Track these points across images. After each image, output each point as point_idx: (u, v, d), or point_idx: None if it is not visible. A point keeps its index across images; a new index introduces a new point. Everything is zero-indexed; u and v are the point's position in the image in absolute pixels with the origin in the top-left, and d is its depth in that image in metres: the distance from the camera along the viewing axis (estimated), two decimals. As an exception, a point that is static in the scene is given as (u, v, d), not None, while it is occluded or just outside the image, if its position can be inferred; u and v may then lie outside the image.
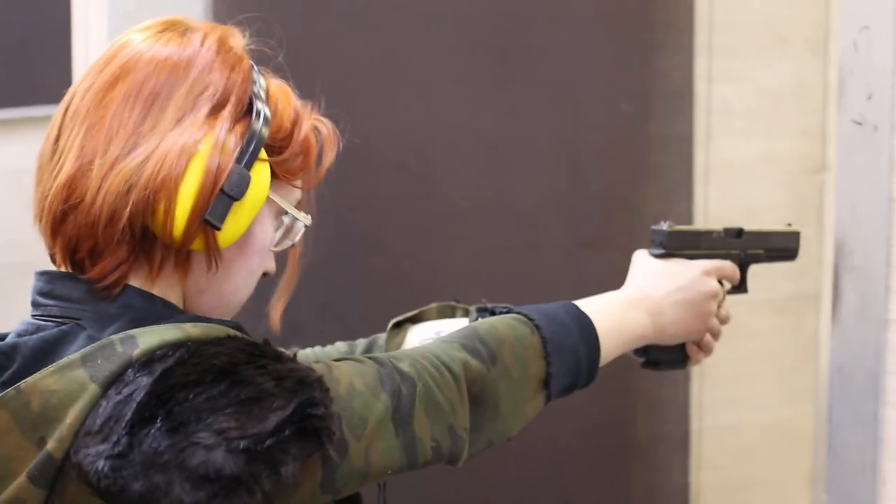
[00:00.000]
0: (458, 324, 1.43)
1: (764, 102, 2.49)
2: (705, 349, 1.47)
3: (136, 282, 1.10)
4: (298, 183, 1.18)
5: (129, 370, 1.00)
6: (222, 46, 1.13)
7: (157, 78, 1.10)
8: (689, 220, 2.41)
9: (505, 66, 2.26)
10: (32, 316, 1.12)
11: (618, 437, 2.43)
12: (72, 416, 0.99)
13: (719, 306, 1.46)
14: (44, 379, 1.01)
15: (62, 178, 1.08)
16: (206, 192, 1.07)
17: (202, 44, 1.12)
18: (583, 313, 1.31)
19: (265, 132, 1.11)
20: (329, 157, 1.19)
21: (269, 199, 1.13)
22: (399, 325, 1.47)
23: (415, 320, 1.48)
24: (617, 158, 2.36)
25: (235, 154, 1.08)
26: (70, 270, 1.11)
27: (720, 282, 1.46)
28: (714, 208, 2.46)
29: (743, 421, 2.58)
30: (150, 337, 1.02)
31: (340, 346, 1.46)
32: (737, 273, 1.49)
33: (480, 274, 2.25)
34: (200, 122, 1.08)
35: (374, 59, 2.18)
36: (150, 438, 0.97)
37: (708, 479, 2.55)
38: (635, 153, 2.38)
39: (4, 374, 1.05)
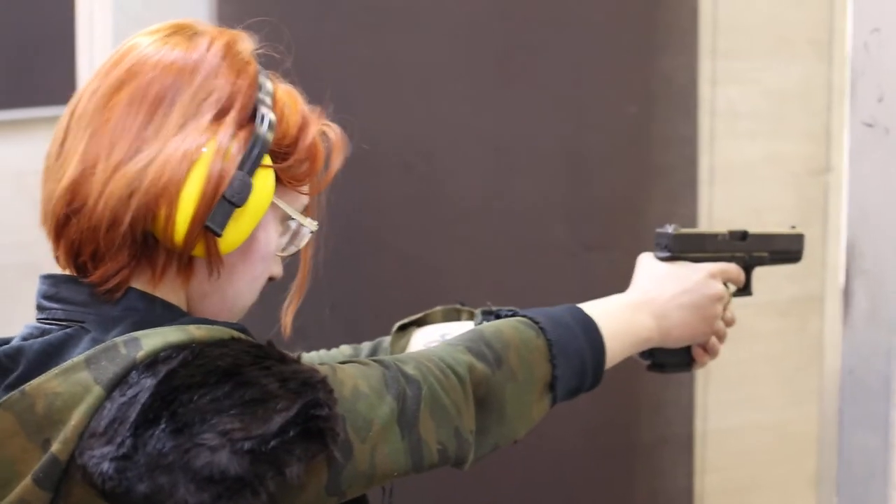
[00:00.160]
0: (463, 327, 1.43)
1: (768, 104, 2.49)
2: (711, 352, 1.47)
3: (138, 285, 1.10)
4: (305, 189, 1.17)
5: (133, 372, 1.00)
6: (229, 51, 1.13)
7: (162, 82, 1.09)
8: (694, 222, 2.41)
9: (509, 68, 2.26)
10: (37, 319, 1.11)
11: (622, 439, 2.43)
12: (76, 418, 0.99)
13: (724, 309, 1.46)
14: (48, 381, 1.01)
15: (66, 181, 1.08)
16: (207, 198, 1.06)
17: (209, 48, 1.12)
18: (588, 316, 1.31)
19: (269, 138, 1.10)
20: (337, 162, 1.18)
21: (273, 205, 1.13)
22: (404, 328, 1.47)
23: (420, 323, 1.47)
24: (621, 160, 2.36)
25: (238, 160, 1.08)
26: (73, 273, 1.11)
27: (725, 284, 1.46)
28: (718, 210, 2.45)
29: (747, 423, 2.58)
30: (153, 339, 1.02)
31: (345, 350, 1.46)
32: (742, 275, 1.49)
33: (484, 276, 2.25)
34: (203, 128, 1.08)
35: (379, 61, 2.19)
36: (154, 440, 0.97)
37: (712, 481, 2.55)
38: (639, 155, 2.38)
39: (9, 377, 1.05)
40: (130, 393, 0.99)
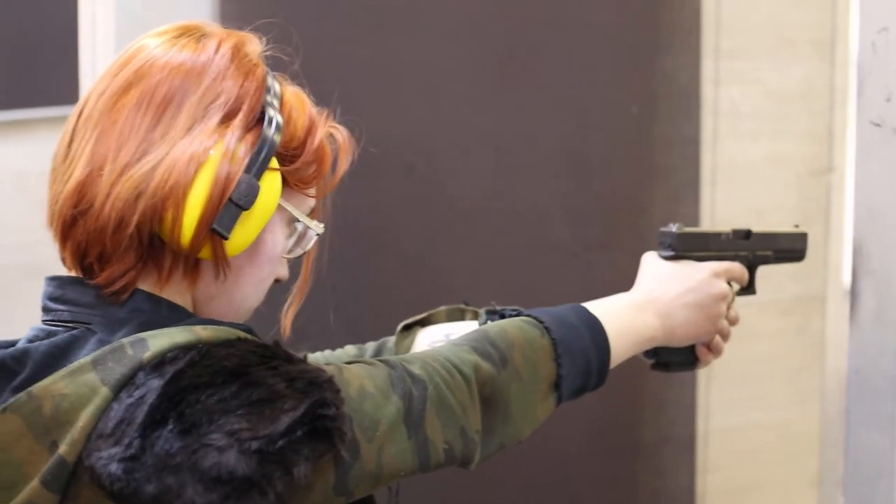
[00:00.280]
0: (468, 326, 1.43)
1: (771, 104, 2.50)
2: (715, 351, 1.47)
3: (145, 287, 1.10)
4: (312, 191, 1.17)
5: (140, 373, 1.00)
6: (237, 53, 1.13)
7: (169, 84, 1.09)
8: (696, 222, 2.41)
9: (510, 68, 2.26)
10: (43, 321, 1.11)
11: (624, 438, 2.44)
12: (83, 419, 0.99)
13: (728, 308, 1.46)
14: (55, 383, 1.01)
15: (72, 182, 1.08)
16: (214, 201, 1.06)
17: (217, 50, 1.12)
18: (592, 316, 1.31)
19: (277, 141, 1.10)
20: (344, 165, 1.18)
21: (280, 207, 1.13)
22: (408, 328, 1.47)
23: (424, 323, 1.47)
24: (623, 160, 2.36)
25: (245, 163, 1.08)
26: (80, 275, 1.11)
27: (729, 283, 1.46)
28: (721, 210, 2.46)
29: (749, 423, 2.58)
30: (160, 339, 1.02)
31: (350, 350, 1.46)
32: (745, 274, 1.49)
33: (487, 276, 2.25)
34: (211, 131, 1.08)
35: (380, 61, 2.19)
36: (162, 440, 0.97)
37: (714, 480, 2.55)
38: (641, 155, 2.38)
39: (16, 379, 1.05)
40: (138, 394, 0.99)
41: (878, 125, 1.39)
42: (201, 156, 1.07)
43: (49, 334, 1.08)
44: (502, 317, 1.35)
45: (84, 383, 1.00)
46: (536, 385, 1.23)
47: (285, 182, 1.13)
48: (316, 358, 1.42)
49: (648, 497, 2.48)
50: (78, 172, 1.08)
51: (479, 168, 2.26)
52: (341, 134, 1.18)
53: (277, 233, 1.15)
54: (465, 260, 2.25)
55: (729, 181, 2.47)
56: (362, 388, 1.08)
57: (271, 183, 1.10)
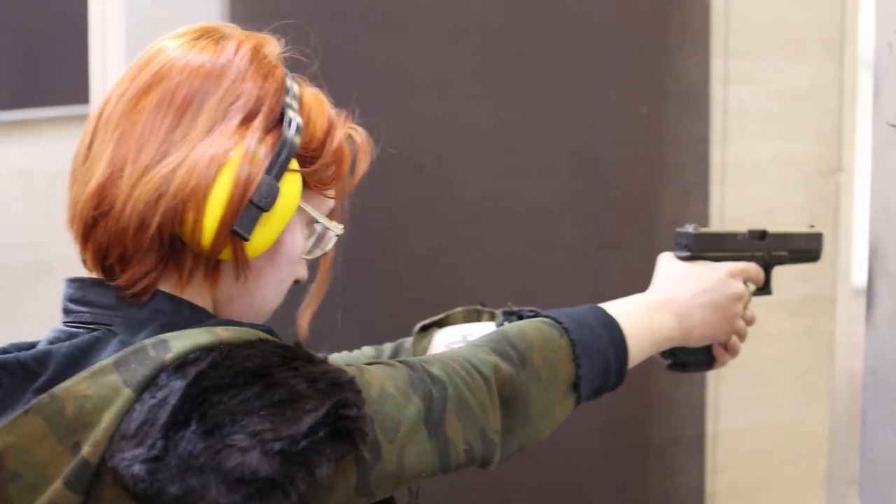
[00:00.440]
0: (485, 327, 1.43)
1: (780, 104, 2.49)
2: (731, 351, 1.47)
3: (166, 289, 1.10)
4: (331, 192, 1.17)
5: (163, 374, 1.00)
6: (256, 55, 1.13)
7: (189, 86, 1.09)
8: (705, 222, 2.41)
9: (521, 68, 2.26)
10: (63, 323, 1.12)
11: (634, 439, 2.43)
12: (106, 420, 0.99)
13: (745, 308, 1.46)
14: (77, 384, 1.01)
15: (93, 184, 1.09)
16: (234, 202, 1.07)
17: (236, 52, 1.12)
18: (610, 316, 1.31)
19: (296, 142, 1.10)
20: (363, 166, 1.18)
21: (299, 209, 1.13)
22: (425, 329, 1.47)
23: (441, 324, 1.48)
24: (632, 160, 2.36)
25: (265, 165, 1.08)
26: (100, 276, 1.11)
27: (745, 283, 1.46)
28: (730, 209, 2.46)
29: (758, 423, 2.58)
30: (182, 341, 1.02)
31: (367, 351, 1.46)
32: (761, 275, 1.49)
33: (496, 276, 2.25)
34: (231, 132, 1.08)
35: (390, 61, 2.18)
36: (185, 441, 0.97)
37: (723, 481, 2.55)
38: (651, 154, 2.38)
39: (38, 380, 1.05)
40: (160, 395, 0.99)
41: (894, 126, 1.39)
42: (222, 157, 1.07)
43: (70, 336, 1.09)
44: (520, 317, 1.35)
45: (106, 384, 1.00)
46: (555, 386, 1.23)
47: (305, 183, 1.13)
48: (334, 359, 1.42)
49: (658, 497, 2.47)
50: (98, 174, 1.09)
51: (488, 168, 2.25)
52: (360, 135, 1.18)
53: (297, 234, 1.15)
54: (475, 260, 2.25)
55: (738, 180, 2.47)
56: (383, 389, 1.08)
57: (291, 184, 1.10)
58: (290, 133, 1.10)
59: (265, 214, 1.08)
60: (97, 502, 0.99)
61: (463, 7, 2.22)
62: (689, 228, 1.44)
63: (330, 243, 1.19)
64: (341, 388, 1.02)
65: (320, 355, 1.08)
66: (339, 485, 1.03)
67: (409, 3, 2.20)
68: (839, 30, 2.52)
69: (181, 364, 1.00)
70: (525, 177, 2.28)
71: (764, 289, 1.51)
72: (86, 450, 0.99)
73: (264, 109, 1.10)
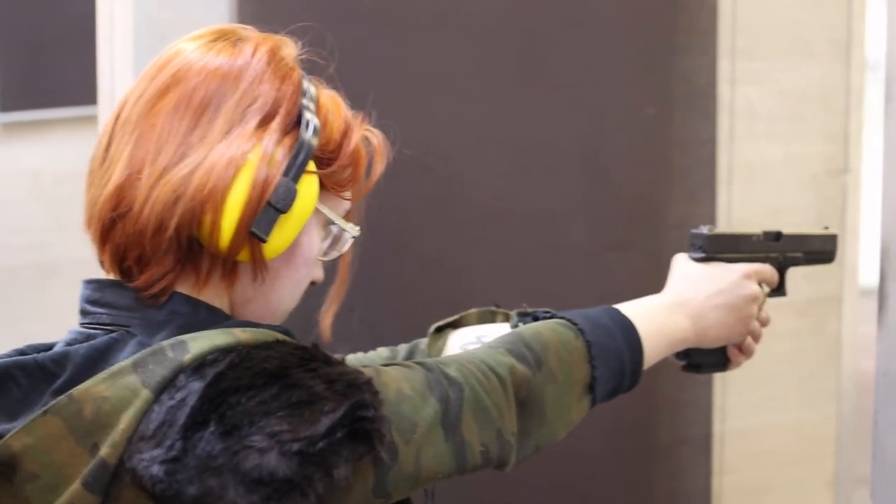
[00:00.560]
0: (499, 328, 1.43)
1: (787, 105, 2.50)
2: (746, 352, 1.47)
3: (183, 290, 1.10)
4: (347, 194, 1.17)
5: (181, 375, 1.00)
6: (273, 57, 1.13)
7: (207, 88, 1.09)
8: (713, 223, 2.41)
9: (529, 69, 2.26)
10: (81, 324, 1.11)
11: (641, 439, 2.43)
12: (125, 421, 0.99)
13: (759, 309, 1.46)
14: (96, 386, 1.01)
15: (111, 186, 1.09)
16: (252, 204, 1.07)
17: (253, 54, 1.12)
18: (625, 317, 1.31)
19: (314, 144, 1.10)
20: (379, 168, 1.18)
21: (316, 210, 1.13)
22: (440, 330, 1.47)
23: (455, 325, 1.48)
24: (640, 161, 2.36)
25: (283, 166, 1.08)
26: (118, 278, 1.11)
27: (760, 285, 1.46)
28: (737, 210, 2.46)
29: (765, 424, 2.58)
30: (200, 342, 1.02)
31: (382, 352, 1.46)
32: (776, 276, 1.49)
33: (505, 277, 2.25)
34: (249, 134, 1.08)
35: (398, 62, 2.18)
36: (203, 442, 0.97)
37: (730, 482, 2.55)
38: (658, 156, 2.38)
39: (56, 382, 1.05)
40: (179, 396, 0.99)
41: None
42: (239, 159, 1.07)
43: (88, 337, 1.09)
44: (535, 319, 1.35)
45: (125, 386, 1.00)
46: (571, 387, 1.23)
47: (321, 185, 1.13)
48: (350, 361, 1.41)
49: (664, 498, 2.48)
50: (116, 176, 1.09)
51: (496, 169, 2.25)
52: (376, 137, 1.19)
53: (314, 235, 1.15)
54: (483, 261, 2.25)
55: (745, 182, 2.47)
56: (400, 390, 1.08)
57: (309, 186, 1.10)
58: (308, 135, 1.10)
59: (283, 216, 1.08)
60: (115, 503, 0.99)
61: (471, 8, 2.22)
62: (704, 230, 1.44)
63: (346, 245, 1.19)
64: (359, 389, 1.02)
65: (337, 356, 1.08)
66: (357, 486, 1.03)
67: (416, 4, 2.20)
68: (846, 31, 2.52)
69: (199, 365, 1.00)
70: (533, 178, 2.28)
71: (778, 290, 1.51)
72: (104, 451, 0.99)
73: (282, 111, 1.10)
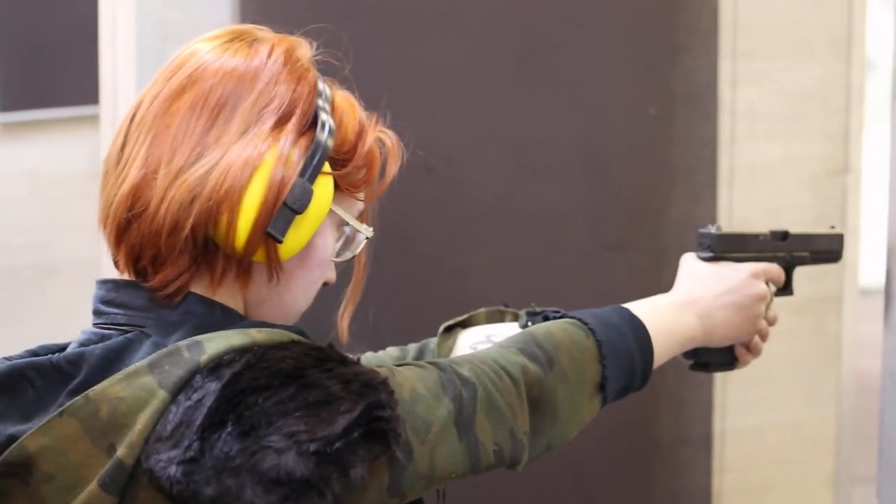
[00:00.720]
0: (508, 328, 1.43)
1: (787, 105, 2.50)
2: (754, 351, 1.48)
3: (197, 290, 1.10)
4: (361, 195, 1.17)
5: (198, 376, 1.00)
6: (289, 58, 1.13)
7: (223, 88, 1.10)
8: (714, 223, 2.41)
9: (530, 69, 2.27)
10: (94, 324, 1.11)
11: (641, 438, 2.44)
12: (141, 422, 0.99)
13: (767, 308, 1.46)
14: (112, 386, 1.01)
15: (127, 186, 1.09)
16: (268, 204, 1.07)
17: (269, 55, 1.12)
18: (635, 317, 1.31)
19: (329, 145, 1.10)
20: (392, 169, 1.18)
21: (330, 212, 1.13)
22: (449, 330, 1.47)
23: (464, 325, 1.48)
24: (641, 161, 2.37)
25: (299, 167, 1.08)
26: (132, 278, 1.11)
27: (767, 284, 1.47)
28: (738, 210, 2.46)
29: (765, 423, 2.58)
30: (216, 342, 1.02)
31: (392, 352, 1.46)
32: (783, 275, 1.50)
33: (507, 276, 2.25)
34: (265, 135, 1.08)
35: (400, 62, 2.19)
36: (221, 443, 0.97)
37: (730, 481, 2.56)
38: (659, 156, 2.38)
39: (71, 383, 1.05)
40: (196, 397, 0.99)
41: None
42: (256, 160, 1.07)
43: (102, 337, 1.09)
44: (545, 318, 1.35)
45: (141, 386, 1.00)
46: (582, 386, 1.23)
47: (336, 186, 1.13)
48: (365, 360, 1.42)
49: (665, 497, 2.48)
50: (132, 175, 1.09)
51: (497, 169, 2.26)
52: (390, 139, 1.19)
53: (328, 236, 1.15)
54: (484, 260, 2.26)
55: (746, 182, 2.48)
56: (414, 390, 1.08)
57: (324, 187, 1.11)
58: (324, 136, 1.10)
59: (298, 217, 1.08)
60: (132, 503, 0.99)
61: (473, 8, 2.23)
62: (712, 229, 1.45)
63: (360, 246, 1.19)
64: (375, 389, 1.03)
65: (353, 356, 1.08)
66: (373, 486, 1.03)
67: (418, 4, 2.20)
68: (846, 30, 2.53)
69: (216, 366, 1.00)
70: (533, 178, 2.28)
71: (785, 289, 1.52)
72: (121, 451, 0.99)
73: (297, 112, 1.10)
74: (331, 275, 1.19)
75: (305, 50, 1.16)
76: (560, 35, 2.27)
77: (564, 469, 2.31)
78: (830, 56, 2.53)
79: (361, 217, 1.19)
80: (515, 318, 1.46)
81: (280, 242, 1.08)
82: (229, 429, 0.97)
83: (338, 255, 1.18)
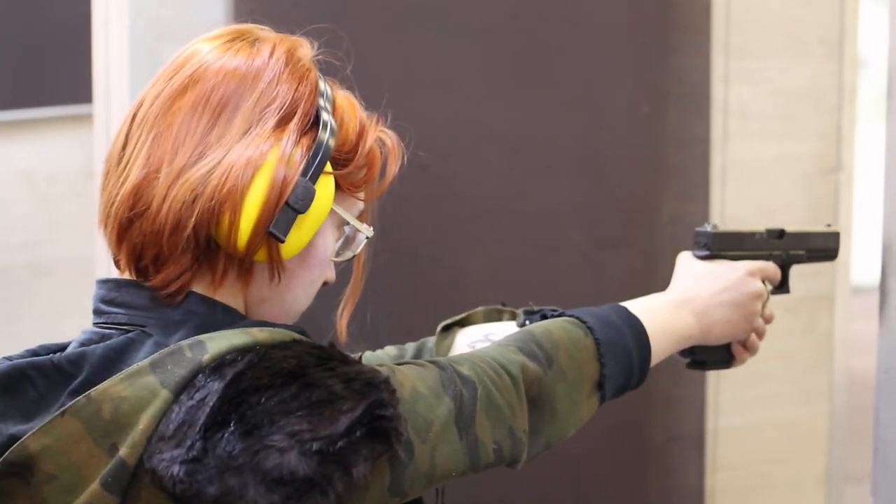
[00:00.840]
0: (506, 327, 1.44)
1: (780, 103, 2.51)
2: (750, 349, 1.49)
3: (199, 289, 1.11)
4: (361, 195, 1.18)
5: (200, 375, 1.00)
6: (291, 58, 1.13)
7: (225, 88, 1.10)
8: (707, 221, 2.41)
9: (524, 68, 2.27)
10: (95, 324, 1.12)
11: (633, 437, 2.44)
12: (144, 421, 0.99)
13: (763, 306, 1.47)
14: (114, 386, 1.01)
15: (129, 185, 1.09)
16: (271, 204, 1.07)
17: (271, 55, 1.13)
18: (633, 315, 1.32)
19: (331, 145, 1.11)
20: (393, 169, 1.19)
21: (331, 211, 1.14)
22: (447, 329, 1.48)
23: (462, 324, 1.48)
24: (634, 160, 2.37)
25: (301, 167, 1.09)
26: (134, 277, 1.11)
27: (763, 282, 1.47)
28: (730, 209, 2.47)
29: (758, 421, 2.59)
30: (218, 342, 1.02)
31: (390, 350, 1.47)
32: (779, 274, 1.51)
33: (500, 275, 2.25)
34: (267, 135, 1.09)
35: (395, 61, 2.18)
36: (223, 442, 0.97)
37: (723, 479, 2.57)
38: (652, 154, 2.38)
39: (73, 382, 1.05)
40: (198, 396, 0.99)
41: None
42: (258, 159, 1.07)
43: (103, 337, 1.09)
44: (543, 317, 1.36)
45: (143, 386, 1.00)
46: (581, 384, 1.24)
47: (337, 186, 1.14)
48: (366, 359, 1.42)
49: (658, 495, 2.48)
50: (134, 175, 1.09)
51: (493, 167, 2.26)
52: (390, 139, 1.19)
53: (328, 236, 1.16)
54: (479, 259, 2.26)
55: (738, 180, 2.48)
56: (415, 389, 1.09)
57: (325, 186, 1.11)
58: (326, 135, 1.11)
59: (300, 216, 1.09)
60: (134, 503, 0.99)
61: (467, 7, 2.23)
62: (708, 227, 1.46)
63: (360, 246, 1.20)
64: (376, 388, 1.03)
65: (354, 355, 1.08)
66: (374, 484, 1.04)
67: (413, 2, 2.20)
68: (839, 29, 2.53)
69: (218, 365, 1.00)
70: (529, 177, 2.28)
71: (781, 287, 1.52)
72: (123, 451, 0.99)
73: (299, 112, 1.11)
74: (331, 274, 1.19)
75: (307, 50, 1.17)
76: (554, 34, 2.28)
77: (558, 468, 2.31)
78: (823, 54, 2.54)
79: (361, 217, 1.20)
80: (513, 316, 1.47)
81: (282, 242, 1.09)
82: (232, 428, 0.98)
83: (338, 254, 1.18)
